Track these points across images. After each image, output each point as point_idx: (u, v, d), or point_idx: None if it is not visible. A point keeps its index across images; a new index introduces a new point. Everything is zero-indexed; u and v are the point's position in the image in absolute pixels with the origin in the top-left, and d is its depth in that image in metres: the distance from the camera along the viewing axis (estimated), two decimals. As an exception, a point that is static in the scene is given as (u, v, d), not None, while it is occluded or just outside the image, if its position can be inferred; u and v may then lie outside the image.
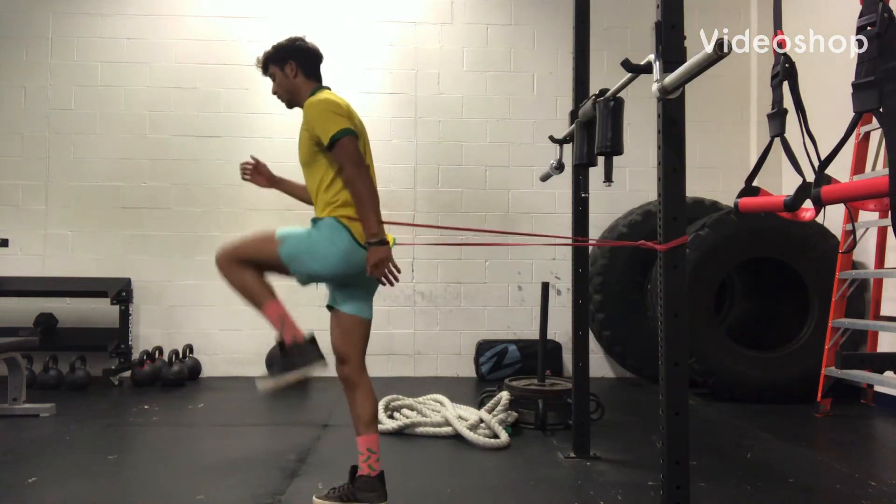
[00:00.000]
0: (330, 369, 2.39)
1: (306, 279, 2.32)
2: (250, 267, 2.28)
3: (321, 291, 2.44)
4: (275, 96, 2.51)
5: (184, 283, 5.43)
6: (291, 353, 2.25)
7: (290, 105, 2.50)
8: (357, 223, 2.26)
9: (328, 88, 2.46)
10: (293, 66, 2.43)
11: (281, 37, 2.52)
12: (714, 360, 4.32)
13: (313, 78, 2.47)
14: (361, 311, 2.38)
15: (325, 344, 2.34)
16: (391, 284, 2.23)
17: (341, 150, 2.21)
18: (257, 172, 2.69)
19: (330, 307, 2.40)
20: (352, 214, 2.27)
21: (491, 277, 5.57)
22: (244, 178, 2.70)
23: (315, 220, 2.33)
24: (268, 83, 2.53)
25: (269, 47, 2.48)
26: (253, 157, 2.70)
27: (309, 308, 4.68)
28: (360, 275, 2.30)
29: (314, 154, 2.32)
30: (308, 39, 2.51)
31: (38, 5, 5.47)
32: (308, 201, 2.57)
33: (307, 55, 2.46)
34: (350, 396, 2.37)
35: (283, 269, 2.30)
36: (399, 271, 2.25)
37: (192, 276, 5.43)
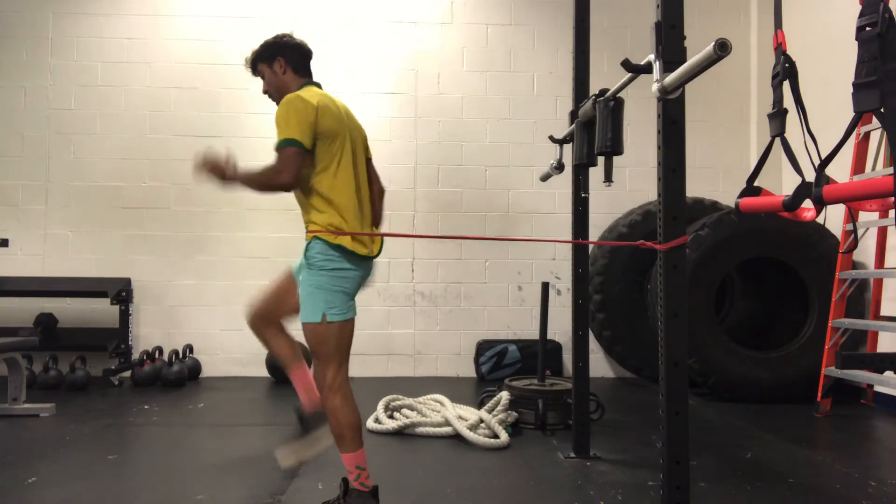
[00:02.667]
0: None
1: (353, 297, 2.28)
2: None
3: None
4: (266, 96, 2.48)
5: (184, 283, 5.43)
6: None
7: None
8: (345, 237, 2.22)
9: (317, 84, 2.43)
10: (282, 63, 2.41)
11: (280, 32, 2.51)
12: (714, 360, 4.32)
13: (302, 73, 2.44)
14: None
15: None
16: (198, 176, 2.22)
17: (280, 156, 2.16)
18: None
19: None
20: (336, 224, 2.22)
21: (491, 277, 5.57)
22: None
23: (305, 250, 2.26)
24: None
25: (256, 46, 2.45)
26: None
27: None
28: (365, 280, 2.33)
29: None
30: (295, 35, 2.47)
31: (38, 5, 5.47)
32: None
33: (295, 51, 2.44)
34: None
35: (352, 324, 2.27)
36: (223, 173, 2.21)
37: (192, 276, 5.43)
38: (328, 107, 2.28)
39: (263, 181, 2.19)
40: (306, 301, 2.22)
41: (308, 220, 2.28)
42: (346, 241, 2.21)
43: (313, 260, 2.22)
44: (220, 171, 2.20)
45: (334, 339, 2.20)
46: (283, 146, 2.16)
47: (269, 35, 2.49)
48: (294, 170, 2.17)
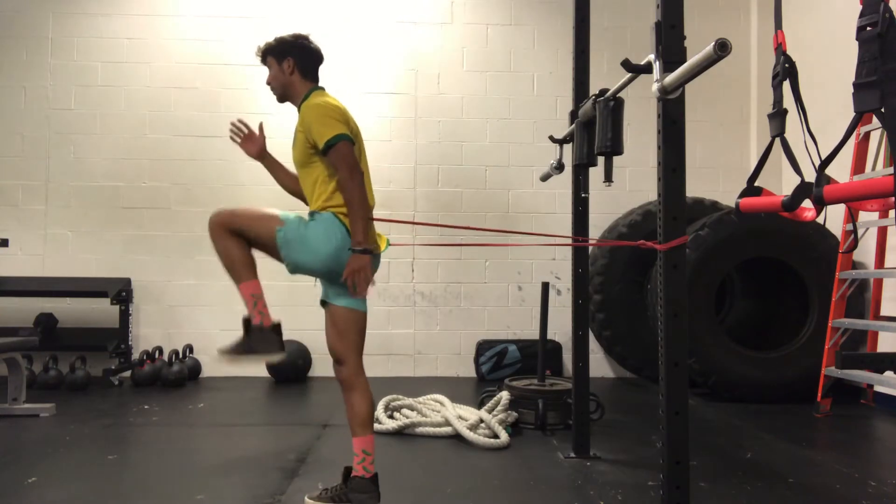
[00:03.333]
0: (327, 369, 2.39)
1: (294, 268, 2.30)
2: (241, 238, 2.27)
3: (307, 292, 2.43)
4: (268, 87, 2.50)
5: (184, 283, 5.43)
6: (254, 335, 2.26)
7: (281, 99, 2.49)
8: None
9: (323, 89, 2.46)
10: (291, 63, 2.42)
11: (300, 32, 2.51)
12: (714, 360, 4.32)
13: (310, 78, 2.46)
14: (355, 304, 2.34)
15: (314, 339, 2.34)
16: (357, 293, 2.22)
17: (336, 154, 2.21)
18: (249, 139, 2.63)
19: (323, 303, 2.38)
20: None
21: (491, 277, 5.57)
22: (232, 139, 2.63)
23: (312, 214, 2.32)
24: None
25: (272, 38, 2.48)
26: (245, 124, 2.63)
27: (290, 307, 4.70)
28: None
29: (309, 156, 2.31)
30: (312, 39, 2.49)
31: (38, 5, 5.47)
32: (294, 193, 2.59)
33: (307, 54, 2.45)
34: (347, 397, 2.35)
35: (273, 252, 2.29)
36: (373, 284, 2.27)
37: (192, 276, 5.43)
38: (347, 112, 2.36)
39: (353, 189, 2.19)
40: (308, 249, 2.25)
41: (323, 199, 2.31)
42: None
43: (318, 218, 2.28)
44: (362, 264, 2.19)
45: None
46: (334, 142, 2.21)
47: (268, 37, 2.49)
48: (355, 158, 2.24)
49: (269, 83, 2.49)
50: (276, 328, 2.30)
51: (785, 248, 4.43)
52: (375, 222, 2.47)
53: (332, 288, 2.34)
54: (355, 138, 2.33)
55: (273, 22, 5.49)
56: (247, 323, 2.28)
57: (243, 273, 2.27)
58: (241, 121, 2.66)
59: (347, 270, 2.19)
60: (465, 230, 5.50)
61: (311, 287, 2.46)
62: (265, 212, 2.30)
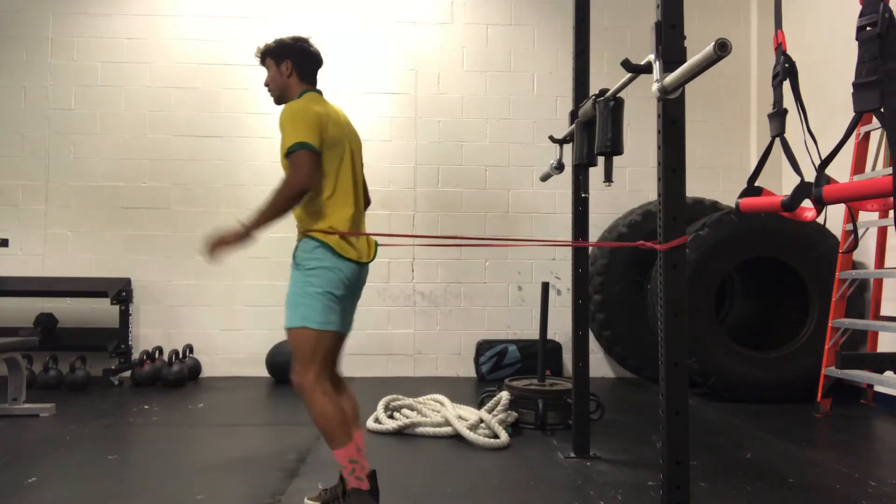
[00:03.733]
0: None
1: (345, 305, 2.28)
2: (333, 392, 2.23)
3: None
4: (265, 88, 2.50)
5: (184, 283, 5.43)
6: (351, 500, 2.21)
7: (278, 101, 2.48)
8: (334, 237, 2.23)
9: (319, 93, 2.44)
10: (289, 66, 2.42)
11: (281, 36, 2.52)
12: (714, 360, 4.32)
13: (307, 81, 2.45)
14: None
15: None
16: (204, 252, 2.20)
17: (292, 160, 2.16)
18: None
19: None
20: (326, 226, 2.24)
21: (491, 277, 5.57)
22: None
23: (296, 249, 2.29)
24: None
25: (271, 40, 2.47)
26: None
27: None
28: (353, 287, 2.31)
29: (286, 159, 2.27)
30: (312, 42, 2.49)
31: (38, 5, 5.47)
32: None
33: (305, 57, 2.44)
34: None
35: (334, 336, 2.26)
36: (221, 255, 2.20)
37: (192, 276, 5.43)
38: (330, 115, 2.31)
39: (282, 196, 2.15)
40: (289, 304, 2.23)
41: (301, 225, 2.30)
42: (333, 241, 2.23)
43: (299, 259, 2.25)
44: (227, 240, 2.18)
45: (311, 345, 2.20)
46: (294, 150, 2.16)
47: (268, 37, 2.50)
48: (308, 171, 2.16)
49: (266, 84, 2.49)
50: (373, 490, 2.25)
51: (785, 248, 4.43)
52: (369, 222, 2.48)
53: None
54: (334, 145, 2.27)
55: (273, 22, 5.49)
56: (343, 486, 2.26)
57: (342, 438, 2.19)
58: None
59: (217, 236, 2.17)
60: (465, 230, 5.51)
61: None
62: (300, 335, 2.20)
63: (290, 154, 2.17)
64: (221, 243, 2.18)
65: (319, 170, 2.24)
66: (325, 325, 2.22)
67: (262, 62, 2.48)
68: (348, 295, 2.32)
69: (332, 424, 2.18)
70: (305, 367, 2.19)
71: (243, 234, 2.17)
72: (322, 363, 2.22)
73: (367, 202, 2.55)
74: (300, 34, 2.51)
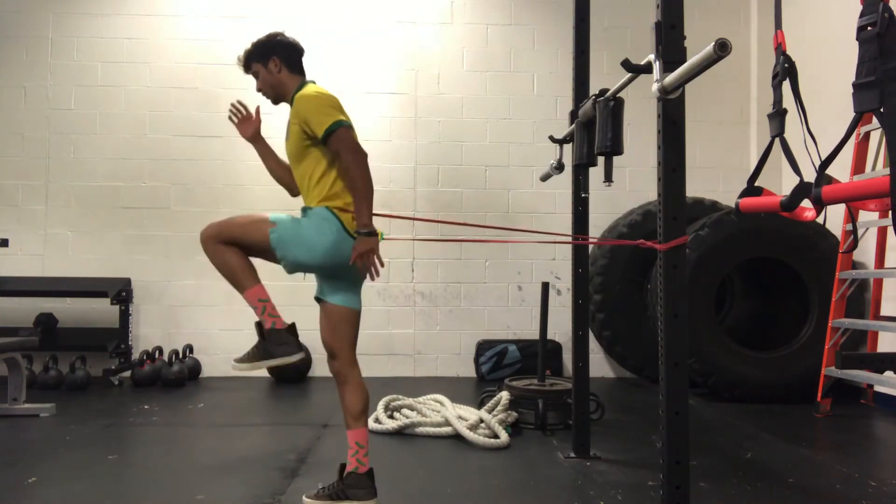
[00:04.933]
0: (327, 369, 2.40)
1: (293, 267, 2.31)
2: (236, 247, 2.26)
3: (307, 290, 2.43)
4: (260, 93, 2.50)
5: (184, 283, 5.43)
6: (270, 339, 2.26)
7: (275, 102, 2.49)
8: (348, 214, 2.26)
9: (313, 82, 2.45)
10: (277, 62, 2.43)
11: (272, 31, 2.52)
12: (714, 360, 4.32)
13: (297, 72, 2.46)
14: (349, 302, 2.38)
15: (315, 339, 2.34)
16: (372, 278, 2.24)
17: (338, 140, 2.21)
18: (246, 121, 2.63)
19: (318, 299, 2.40)
20: (343, 205, 2.27)
21: (491, 277, 5.57)
22: (230, 119, 2.64)
23: (305, 210, 2.33)
24: None
25: (248, 45, 2.48)
26: (244, 106, 2.64)
27: (291, 307, 4.70)
28: (348, 265, 2.30)
29: (304, 148, 2.30)
30: (287, 34, 2.50)
31: (38, 5, 5.47)
32: (282, 182, 2.60)
33: (289, 49, 2.45)
34: (340, 390, 2.40)
35: (269, 254, 2.30)
36: (382, 265, 2.26)
37: (192, 276, 5.43)
38: (340, 101, 2.35)
39: (360, 171, 2.19)
40: (293, 238, 2.25)
41: (317, 194, 2.30)
42: (346, 219, 2.27)
43: (311, 214, 2.28)
44: (371, 245, 2.20)
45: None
46: (334, 128, 2.21)
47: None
48: (357, 142, 2.24)
49: (259, 90, 2.49)
50: (291, 328, 2.30)
51: (785, 248, 4.43)
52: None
53: (326, 284, 2.36)
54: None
55: (273, 22, 5.49)
56: (260, 328, 2.28)
57: (246, 280, 2.26)
58: (239, 101, 2.67)
59: (355, 254, 2.19)
60: (465, 230, 5.51)
61: (311, 287, 2.46)
62: (254, 216, 2.30)
63: (331, 133, 2.21)
64: (371, 258, 2.21)
65: (331, 155, 2.28)
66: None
67: (247, 69, 2.50)
68: (347, 271, 2.31)
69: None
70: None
71: (371, 235, 2.20)
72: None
73: None
74: (274, 30, 2.52)
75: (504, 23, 5.67)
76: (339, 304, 2.35)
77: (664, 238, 2.01)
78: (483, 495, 2.61)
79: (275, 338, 2.26)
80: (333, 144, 2.22)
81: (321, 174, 2.30)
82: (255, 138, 2.63)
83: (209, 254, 2.27)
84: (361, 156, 2.21)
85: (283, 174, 2.59)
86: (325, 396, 4.56)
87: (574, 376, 3.18)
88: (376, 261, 2.22)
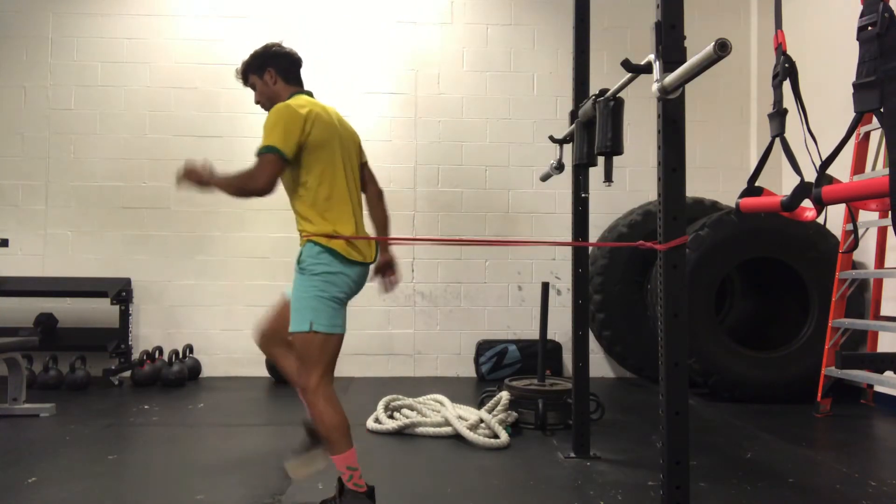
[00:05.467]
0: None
1: (343, 304, 2.27)
2: (336, 398, 2.22)
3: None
4: (258, 106, 2.50)
5: (184, 283, 5.43)
6: (347, 499, 2.20)
7: None
8: (339, 241, 2.23)
9: (308, 93, 2.44)
10: (272, 73, 2.43)
11: (281, 37, 2.53)
12: (714, 360, 4.32)
13: (293, 83, 2.46)
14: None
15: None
16: (178, 186, 2.26)
17: (259, 161, 2.18)
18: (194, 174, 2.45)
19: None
20: (329, 230, 2.24)
21: (491, 277, 5.57)
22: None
23: (300, 254, 2.27)
24: None
25: (246, 57, 2.48)
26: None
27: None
28: (359, 287, 2.32)
29: None
30: (284, 44, 2.49)
31: (38, 5, 5.47)
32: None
33: (285, 60, 2.45)
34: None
35: (335, 340, 2.25)
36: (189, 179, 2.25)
37: (192, 276, 5.43)
38: (319, 115, 2.29)
39: (237, 185, 2.20)
40: (295, 309, 2.23)
41: (301, 228, 2.30)
42: (338, 245, 2.23)
43: (304, 263, 2.24)
44: (197, 176, 2.23)
45: (318, 348, 2.20)
46: (262, 152, 2.19)
47: (268, 38, 2.51)
48: (269, 176, 2.17)
49: (257, 102, 2.49)
50: (371, 494, 2.23)
51: (785, 248, 4.43)
52: (377, 226, 2.51)
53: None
54: (322, 145, 2.27)
55: (273, 22, 5.50)
56: (340, 486, 2.24)
57: (342, 444, 2.19)
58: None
59: (190, 167, 2.23)
60: (465, 231, 5.51)
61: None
62: (302, 341, 2.20)
63: (259, 155, 2.19)
64: (190, 176, 2.23)
65: (302, 174, 2.26)
66: (333, 328, 2.22)
67: (245, 82, 2.50)
68: (351, 297, 2.33)
69: (331, 430, 2.19)
70: (310, 370, 2.21)
71: (205, 182, 2.22)
72: (327, 367, 2.23)
73: (379, 193, 2.56)
74: (272, 41, 2.52)
75: (504, 23, 5.67)
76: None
77: (664, 238, 2.01)
78: (483, 495, 2.61)
79: (352, 500, 2.19)
80: (257, 162, 2.18)
81: (300, 198, 2.28)
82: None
83: (310, 406, 2.22)
84: (255, 186, 2.16)
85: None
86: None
87: (574, 376, 3.19)
88: (187, 177, 2.24)
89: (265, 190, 2.18)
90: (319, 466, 2.40)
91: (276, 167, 2.18)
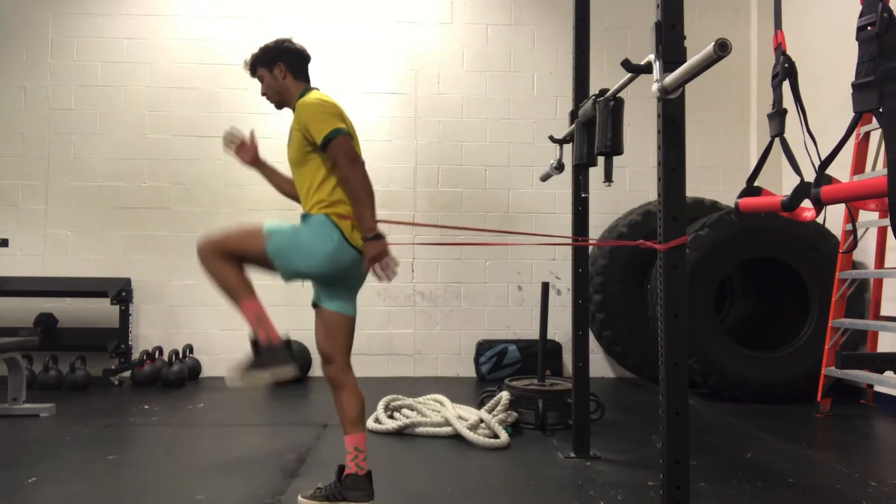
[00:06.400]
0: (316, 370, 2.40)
1: (291, 275, 2.31)
2: (232, 259, 2.26)
3: (306, 291, 2.44)
4: (264, 97, 2.51)
5: (184, 283, 5.43)
6: (264, 353, 2.24)
7: (279, 106, 2.51)
8: (348, 221, 2.27)
9: (317, 89, 2.47)
10: (282, 68, 2.44)
11: (280, 37, 2.53)
12: (714, 360, 4.32)
13: (302, 78, 2.48)
14: (345, 309, 2.38)
15: (311, 342, 2.34)
16: (389, 279, 2.24)
17: (336, 147, 2.22)
18: (243, 147, 2.64)
19: (314, 304, 2.41)
20: (343, 212, 2.28)
21: (491, 277, 5.57)
22: (226, 149, 2.65)
23: (305, 217, 2.33)
24: None
25: (256, 49, 2.49)
26: (238, 132, 2.65)
27: (290, 307, 4.72)
28: (346, 273, 2.32)
29: (305, 154, 2.32)
30: (295, 40, 2.51)
31: (38, 5, 5.47)
32: (290, 195, 2.60)
33: (295, 56, 2.47)
34: (336, 396, 2.37)
35: (267, 264, 2.29)
36: (397, 265, 2.27)
37: (192, 276, 5.42)
38: (342, 108, 2.37)
39: (359, 178, 2.20)
40: (290, 246, 2.25)
41: (314, 207, 2.30)
42: (346, 227, 2.27)
43: (311, 222, 2.28)
44: (382, 248, 2.20)
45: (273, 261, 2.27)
46: (332, 136, 2.22)
47: (269, 37, 2.51)
48: (355, 150, 2.27)
49: (264, 94, 2.51)
50: (286, 343, 2.28)
51: (785, 248, 4.43)
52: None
53: (323, 291, 2.37)
54: (352, 135, 2.35)
55: (273, 22, 5.50)
56: (255, 342, 2.27)
57: (241, 293, 2.26)
58: (234, 128, 2.69)
59: (368, 261, 2.20)
60: (466, 230, 5.51)
61: (310, 287, 2.46)
62: (249, 227, 2.29)
63: (329, 141, 2.22)
64: (384, 261, 2.21)
65: (330, 162, 2.29)
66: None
67: (254, 73, 2.51)
68: (344, 279, 2.33)
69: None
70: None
71: (381, 237, 2.20)
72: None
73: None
74: (283, 36, 2.53)
75: (504, 23, 5.67)
76: (335, 310, 2.35)
77: (664, 238, 2.01)
78: (483, 495, 2.61)
79: (268, 352, 2.24)
80: (332, 152, 2.23)
81: (321, 181, 2.31)
82: (256, 162, 2.64)
83: (204, 265, 2.27)
84: (359, 164, 2.22)
85: (290, 189, 2.59)
86: (325, 397, 4.56)
87: (574, 376, 3.18)
88: (387, 262, 2.22)
89: (362, 163, 2.25)
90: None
91: (351, 143, 2.26)
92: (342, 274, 2.31)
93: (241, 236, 2.27)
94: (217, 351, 5.41)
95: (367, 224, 2.19)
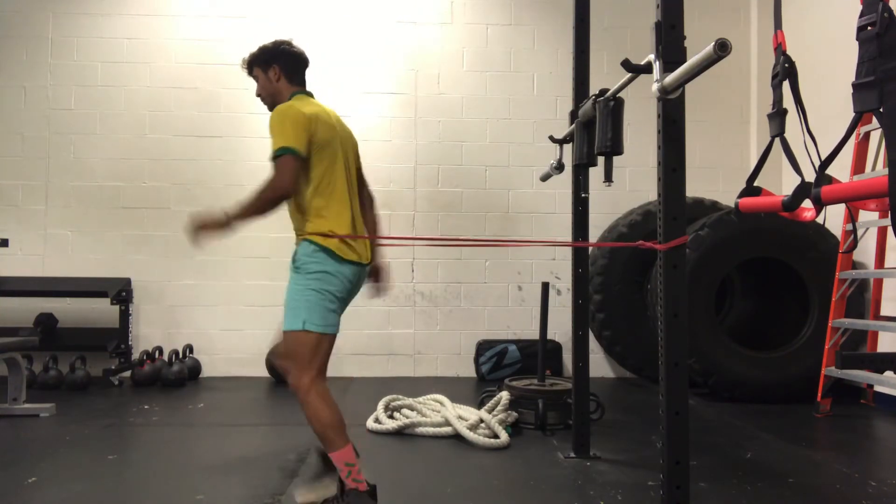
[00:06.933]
0: (327, 370, 2.40)
1: (340, 313, 2.28)
2: (328, 394, 2.21)
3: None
4: (258, 98, 2.51)
5: (184, 283, 5.43)
6: (349, 496, 2.18)
7: (271, 108, 2.46)
8: (334, 240, 2.24)
9: (309, 94, 2.45)
10: (276, 70, 2.43)
11: (280, 37, 2.53)
12: (714, 360, 4.32)
13: (296, 83, 2.46)
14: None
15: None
16: (191, 239, 2.23)
17: (275, 166, 2.18)
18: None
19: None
20: (326, 229, 2.24)
21: (491, 277, 5.57)
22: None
23: (293, 257, 2.28)
24: None
25: (254, 49, 2.48)
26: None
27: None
28: (356, 286, 2.33)
29: None
30: (294, 43, 2.50)
31: (38, 5, 5.47)
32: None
33: (291, 59, 2.45)
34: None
35: (328, 335, 2.24)
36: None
37: (192, 276, 5.43)
38: (320, 116, 2.31)
39: (263, 199, 2.18)
40: (288, 307, 2.23)
41: (299, 228, 2.31)
42: (333, 245, 2.24)
43: (299, 262, 2.25)
44: (212, 223, 2.21)
45: (311, 348, 2.20)
46: (279, 154, 2.18)
47: (269, 37, 2.51)
48: (291, 176, 2.18)
49: (258, 94, 2.50)
50: (372, 493, 2.20)
51: (785, 248, 4.43)
52: (368, 230, 2.51)
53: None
54: (325, 146, 2.28)
55: (273, 22, 5.50)
56: (340, 486, 2.22)
57: (338, 441, 2.18)
58: None
59: (199, 220, 2.20)
60: (465, 231, 5.51)
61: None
62: (295, 337, 2.20)
63: (275, 158, 2.18)
64: (204, 227, 2.21)
65: (304, 175, 2.25)
66: (326, 327, 2.23)
67: (250, 73, 2.50)
68: (347, 297, 2.33)
69: (326, 428, 2.17)
70: (303, 369, 2.20)
71: (224, 223, 2.20)
72: (320, 366, 2.23)
73: (371, 199, 2.58)
74: (282, 38, 2.52)
75: (504, 23, 5.67)
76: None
77: (664, 238, 2.01)
78: (483, 495, 2.61)
79: (354, 499, 2.17)
80: (273, 166, 2.18)
81: (300, 192, 2.27)
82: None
83: (307, 408, 2.18)
84: (277, 192, 2.16)
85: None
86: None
87: (574, 376, 3.18)
88: (201, 235, 2.21)
89: (290, 190, 2.19)
90: (330, 493, 2.34)
91: (296, 166, 2.19)
92: (355, 287, 2.34)
93: (298, 347, 2.20)
94: (217, 351, 5.41)
95: (233, 212, 2.18)
